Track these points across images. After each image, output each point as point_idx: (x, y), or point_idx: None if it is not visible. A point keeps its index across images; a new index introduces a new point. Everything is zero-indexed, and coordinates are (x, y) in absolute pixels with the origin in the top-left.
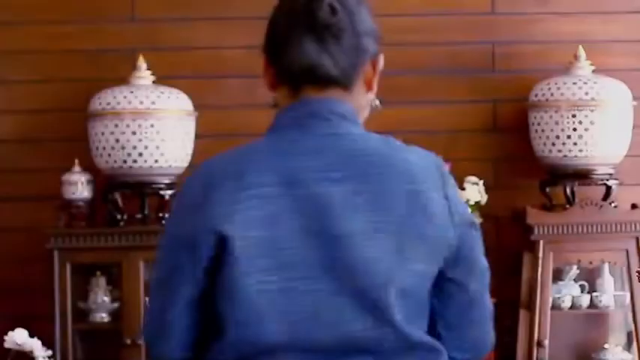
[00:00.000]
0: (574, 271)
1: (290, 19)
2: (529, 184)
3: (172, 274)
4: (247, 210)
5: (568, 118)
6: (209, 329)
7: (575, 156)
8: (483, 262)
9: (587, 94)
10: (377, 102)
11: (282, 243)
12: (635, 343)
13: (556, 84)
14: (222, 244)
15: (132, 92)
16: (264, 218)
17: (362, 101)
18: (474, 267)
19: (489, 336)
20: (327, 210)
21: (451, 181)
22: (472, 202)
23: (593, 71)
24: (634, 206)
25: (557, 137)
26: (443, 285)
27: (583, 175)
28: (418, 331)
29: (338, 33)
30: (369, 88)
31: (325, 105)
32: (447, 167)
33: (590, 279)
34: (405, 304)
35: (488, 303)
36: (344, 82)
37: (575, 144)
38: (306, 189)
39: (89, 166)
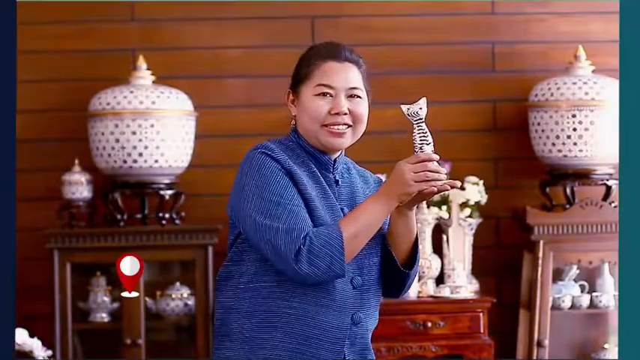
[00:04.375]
0: (574, 271)
1: None
2: (529, 184)
3: None
4: None
5: (568, 118)
6: None
7: (575, 156)
8: (255, 228)
9: (587, 94)
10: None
11: None
12: None
13: (556, 84)
14: None
15: (132, 92)
16: None
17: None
18: (249, 234)
19: (293, 267)
20: None
21: (242, 167)
22: (472, 202)
23: (593, 71)
24: None
25: (557, 137)
26: None
27: (583, 175)
28: (225, 267)
29: None
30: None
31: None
32: (255, 156)
33: (590, 279)
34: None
35: (273, 245)
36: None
37: (575, 144)
38: None
39: (89, 166)
